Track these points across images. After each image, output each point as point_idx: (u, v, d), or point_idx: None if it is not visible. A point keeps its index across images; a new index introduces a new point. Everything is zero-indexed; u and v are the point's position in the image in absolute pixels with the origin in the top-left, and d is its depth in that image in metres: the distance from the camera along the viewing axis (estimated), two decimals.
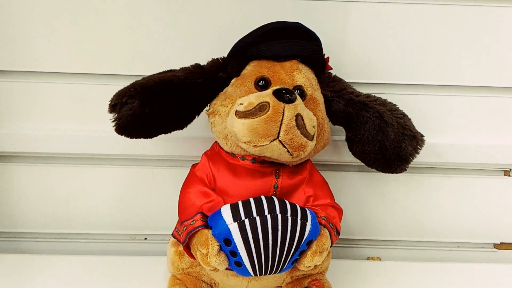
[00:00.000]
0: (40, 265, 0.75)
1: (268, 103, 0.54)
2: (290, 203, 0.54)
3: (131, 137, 0.60)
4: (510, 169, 0.80)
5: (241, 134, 0.55)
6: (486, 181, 0.80)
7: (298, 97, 0.55)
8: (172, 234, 0.67)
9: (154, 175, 0.79)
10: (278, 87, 0.57)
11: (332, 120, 0.65)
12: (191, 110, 0.63)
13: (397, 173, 0.65)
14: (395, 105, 0.64)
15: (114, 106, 0.58)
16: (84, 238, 0.84)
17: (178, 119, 0.63)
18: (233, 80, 0.62)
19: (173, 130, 0.63)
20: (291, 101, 0.54)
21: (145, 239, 0.84)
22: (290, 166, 0.61)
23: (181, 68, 0.62)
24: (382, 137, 0.62)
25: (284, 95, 0.54)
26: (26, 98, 0.75)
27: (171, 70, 0.62)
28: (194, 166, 0.64)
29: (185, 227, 0.57)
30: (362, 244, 0.85)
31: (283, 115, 0.53)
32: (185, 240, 0.56)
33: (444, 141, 0.77)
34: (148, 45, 0.73)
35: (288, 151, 0.55)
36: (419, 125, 0.75)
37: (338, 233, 0.60)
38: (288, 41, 0.62)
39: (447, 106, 0.76)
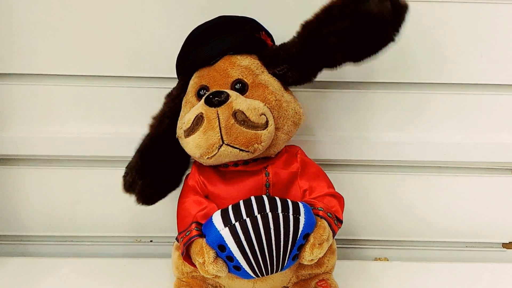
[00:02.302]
0: (45, 269, 0.75)
1: (202, 113, 0.55)
2: (281, 199, 0.54)
3: (163, 197, 0.68)
4: None
5: (192, 152, 0.57)
6: (493, 179, 0.80)
7: (232, 93, 0.56)
8: (176, 238, 0.68)
9: None
10: (208, 93, 0.57)
11: (304, 83, 0.61)
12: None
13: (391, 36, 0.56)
14: None
15: (127, 188, 0.65)
16: (90, 241, 0.84)
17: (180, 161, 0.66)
18: (183, 100, 0.63)
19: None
20: (221, 102, 0.54)
21: (151, 241, 0.85)
22: (279, 161, 0.61)
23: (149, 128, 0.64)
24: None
25: (213, 99, 0.54)
26: (30, 101, 0.76)
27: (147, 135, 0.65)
28: (187, 176, 0.65)
29: (182, 238, 0.57)
30: (369, 244, 0.84)
31: (218, 119, 0.54)
32: (183, 251, 0.57)
33: (451, 140, 0.76)
34: (151, 47, 0.73)
35: (241, 150, 0.55)
36: (424, 124, 0.77)
37: (340, 221, 0.60)
38: (215, 39, 0.60)
39: (453, 105, 0.76)
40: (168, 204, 0.77)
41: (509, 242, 0.84)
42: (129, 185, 0.64)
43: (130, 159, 0.77)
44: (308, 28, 0.57)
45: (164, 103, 0.64)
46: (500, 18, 0.72)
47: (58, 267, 0.75)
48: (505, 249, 0.84)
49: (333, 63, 0.59)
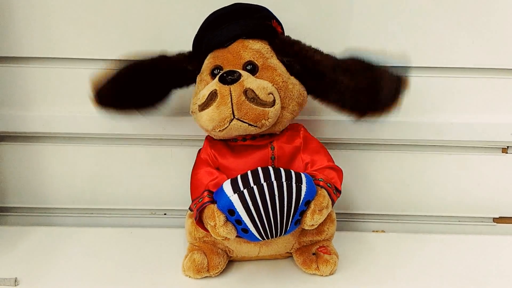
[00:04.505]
0: (68, 236, 0.79)
1: (216, 90, 0.59)
2: (285, 170, 0.58)
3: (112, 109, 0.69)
4: (507, 146, 0.83)
5: (205, 125, 0.62)
6: (485, 158, 0.83)
7: (243, 73, 0.60)
8: (189, 208, 0.71)
9: (173, 154, 0.84)
10: (222, 72, 0.61)
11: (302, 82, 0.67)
12: (156, 91, 0.69)
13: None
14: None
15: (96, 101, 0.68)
16: (108, 213, 0.88)
17: (147, 98, 0.69)
18: (197, 78, 0.68)
19: (145, 108, 0.70)
20: (234, 80, 0.59)
21: (165, 214, 0.89)
22: (283, 137, 0.66)
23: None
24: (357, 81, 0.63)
25: (227, 77, 0.59)
26: (54, 82, 0.80)
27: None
28: (199, 150, 0.70)
29: (195, 205, 0.62)
30: (367, 218, 0.88)
31: (231, 96, 0.59)
32: (196, 216, 0.62)
33: (444, 120, 0.80)
34: (168, 32, 0.77)
35: (250, 125, 0.60)
36: (420, 105, 0.80)
37: (339, 191, 0.64)
38: (230, 24, 0.65)
39: (446, 87, 0.79)
40: (181, 179, 0.81)
41: (500, 217, 0.87)
42: (99, 86, 0.67)
43: (146, 138, 0.83)
44: (331, 62, 0.64)
45: (177, 55, 0.69)
46: (491, 4, 0.75)
47: (80, 236, 0.80)
48: (495, 223, 0.88)
49: (325, 96, 0.66)
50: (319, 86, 0.66)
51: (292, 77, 0.65)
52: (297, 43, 0.67)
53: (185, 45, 0.70)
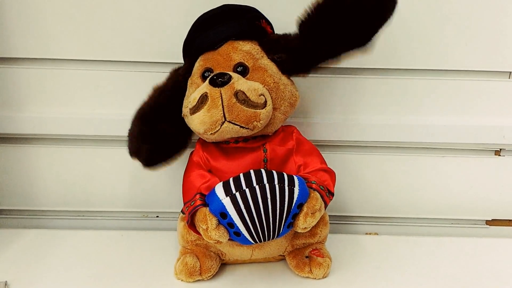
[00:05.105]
0: (59, 239, 0.79)
1: (206, 93, 0.59)
2: (277, 172, 0.58)
3: (165, 163, 0.68)
4: (500, 149, 0.83)
5: (196, 128, 0.61)
6: (478, 160, 0.83)
7: (234, 75, 0.60)
8: (181, 211, 0.71)
9: None
10: (213, 74, 0.61)
11: (299, 74, 0.66)
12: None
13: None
14: None
15: (133, 154, 0.68)
16: (100, 215, 0.88)
17: (179, 134, 0.67)
18: (188, 81, 0.67)
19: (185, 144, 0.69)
20: (224, 83, 0.59)
21: (157, 216, 0.88)
22: (276, 139, 0.66)
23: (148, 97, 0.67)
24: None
25: (217, 80, 0.59)
26: (46, 83, 0.79)
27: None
28: (191, 153, 0.69)
29: (187, 208, 0.62)
30: (360, 220, 0.88)
31: (221, 98, 0.58)
32: (188, 219, 0.61)
33: (437, 122, 0.80)
34: (159, 34, 0.76)
35: (241, 127, 0.59)
36: (413, 108, 0.80)
37: (332, 193, 0.64)
38: (219, 26, 0.64)
39: (440, 90, 0.79)
40: (173, 182, 0.82)
41: (492, 220, 0.88)
42: (135, 151, 0.67)
43: None
44: (306, 24, 0.61)
45: (168, 77, 0.68)
46: (485, 6, 0.75)
47: (71, 238, 0.79)
48: (488, 226, 0.88)
49: (335, 54, 0.62)
50: (316, 54, 0.62)
51: (283, 77, 0.65)
52: (283, 37, 0.65)
53: (176, 46, 0.70)
